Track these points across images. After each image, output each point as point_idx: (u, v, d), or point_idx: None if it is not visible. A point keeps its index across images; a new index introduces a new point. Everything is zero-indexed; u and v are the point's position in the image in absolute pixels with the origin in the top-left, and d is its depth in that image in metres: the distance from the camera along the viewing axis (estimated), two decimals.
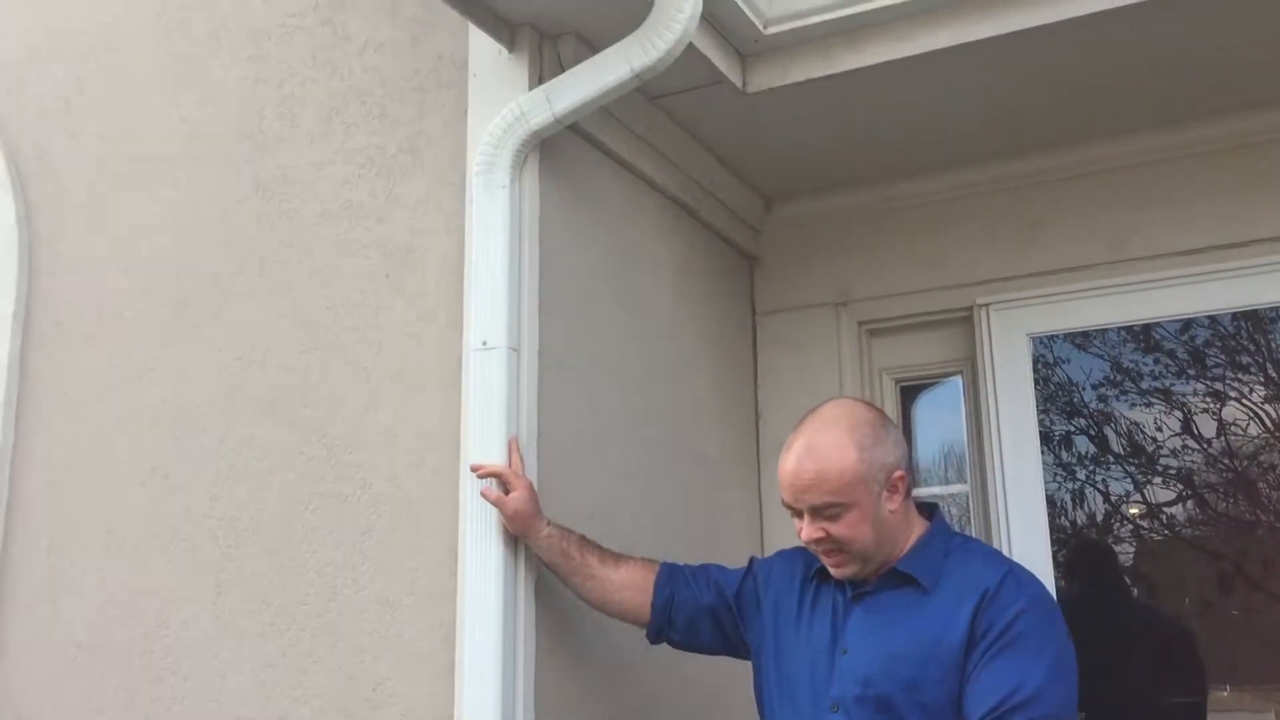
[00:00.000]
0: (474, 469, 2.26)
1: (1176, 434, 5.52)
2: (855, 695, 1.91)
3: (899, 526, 1.99)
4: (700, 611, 2.23)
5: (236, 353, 2.64)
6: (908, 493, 2.01)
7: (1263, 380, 5.36)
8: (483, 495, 2.23)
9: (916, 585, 1.95)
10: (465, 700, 2.19)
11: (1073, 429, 5.69)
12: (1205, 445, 5.46)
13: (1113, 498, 5.91)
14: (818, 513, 1.95)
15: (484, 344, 2.33)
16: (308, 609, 2.42)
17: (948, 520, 2.11)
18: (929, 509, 2.09)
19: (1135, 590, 4.17)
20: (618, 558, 2.29)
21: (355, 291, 2.55)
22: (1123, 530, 5.75)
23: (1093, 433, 5.71)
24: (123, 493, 2.68)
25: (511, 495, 2.22)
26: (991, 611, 1.87)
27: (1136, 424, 5.69)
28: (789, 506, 2.01)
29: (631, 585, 2.25)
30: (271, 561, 2.48)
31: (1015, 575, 1.94)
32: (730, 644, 2.24)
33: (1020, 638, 1.85)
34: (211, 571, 2.53)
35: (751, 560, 2.28)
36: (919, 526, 2.03)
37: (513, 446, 2.27)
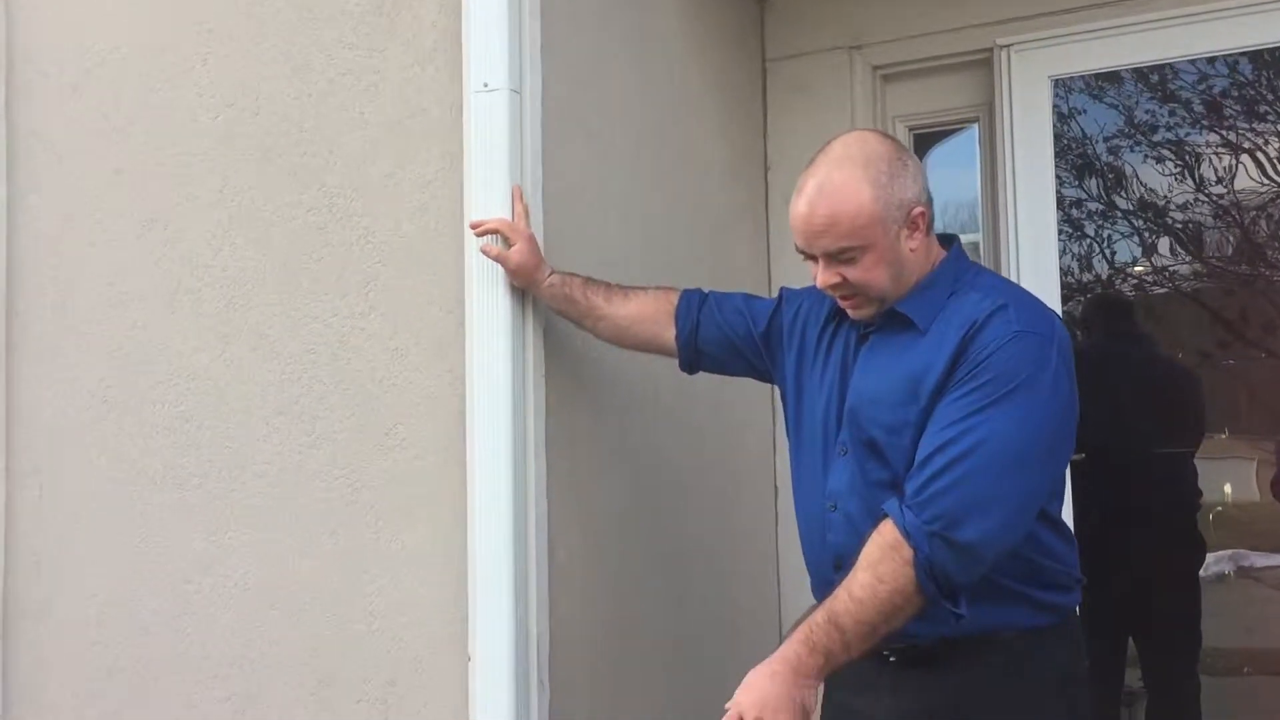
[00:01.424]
0: (473, 227, 2.21)
1: (1188, 188, 5.46)
2: (852, 437, 1.90)
3: (920, 265, 1.90)
4: (727, 346, 2.20)
5: (228, 99, 2.55)
6: (929, 228, 1.91)
7: (1278, 131, 5.26)
8: (483, 252, 2.19)
9: (915, 326, 1.87)
10: (476, 442, 2.22)
11: (1084, 186, 5.63)
12: (1214, 199, 5.41)
13: (1120, 252, 5.89)
14: (833, 258, 1.86)
15: (485, 85, 2.24)
16: (316, 357, 2.42)
17: (964, 253, 1.99)
18: (947, 241, 1.98)
19: (1149, 342, 4.20)
20: (626, 292, 2.25)
21: (348, 33, 2.44)
22: (1127, 285, 5.78)
23: (1105, 187, 5.65)
24: (122, 245, 2.64)
25: (513, 250, 2.17)
26: (974, 347, 1.76)
27: (1148, 178, 5.61)
28: (802, 252, 1.92)
29: (644, 319, 2.23)
30: (278, 311, 2.46)
31: (1011, 308, 1.80)
32: (762, 376, 2.23)
33: (989, 374, 1.73)
34: (217, 323, 2.52)
35: (782, 293, 2.21)
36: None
37: (516, 195, 2.21)
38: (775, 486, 3.29)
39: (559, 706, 2.24)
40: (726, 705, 1.72)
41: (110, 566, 2.60)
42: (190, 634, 2.50)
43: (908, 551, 1.68)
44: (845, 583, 1.71)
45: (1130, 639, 3.70)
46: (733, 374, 2.29)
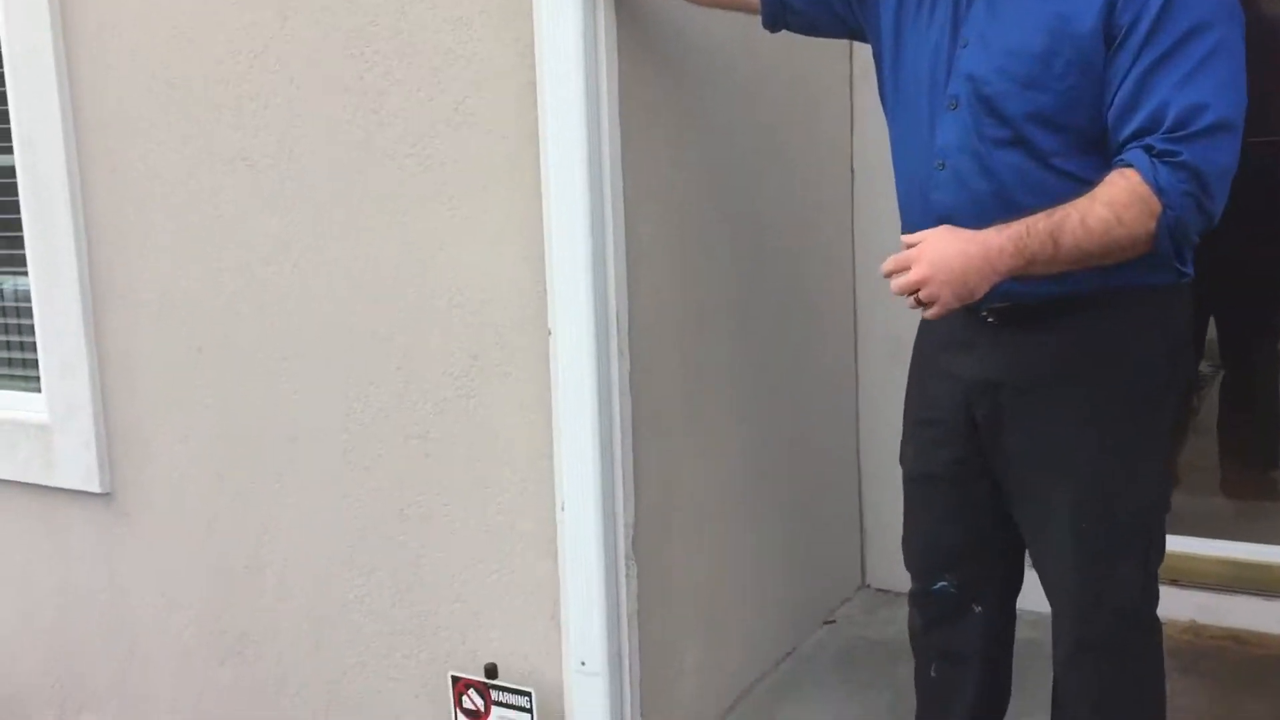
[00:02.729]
0: None
1: None
2: (966, 91, 1.78)
3: None
4: (817, 4, 2.07)
5: None
6: None
7: None
8: None
9: None
10: (548, 115, 2.15)
11: None
12: None
13: None
14: None
15: None
16: (378, 29, 2.33)
17: None
18: None
19: None
20: None
21: None
22: None
23: None
24: None
25: None
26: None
27: None
28: None
29: None
30: None
31: None
32: (854, 33, 2.09)
33: (1177, 30, 1.62)
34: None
35: None
36: None
37: None
38: (850, 170, 3.20)
39: (639, 379, 2.27)
40: (906, 240, 1.72)
41: (187, 249, 2.63)
42: (272, 314, 2.55)
43: (1157, 206, 1.63)
44: (1078, 209, 1.65)
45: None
46: (821, 33, 2.15)
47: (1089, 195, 1.66)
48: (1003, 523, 1.97)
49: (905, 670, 2.34)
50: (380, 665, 2.54)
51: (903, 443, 2.08)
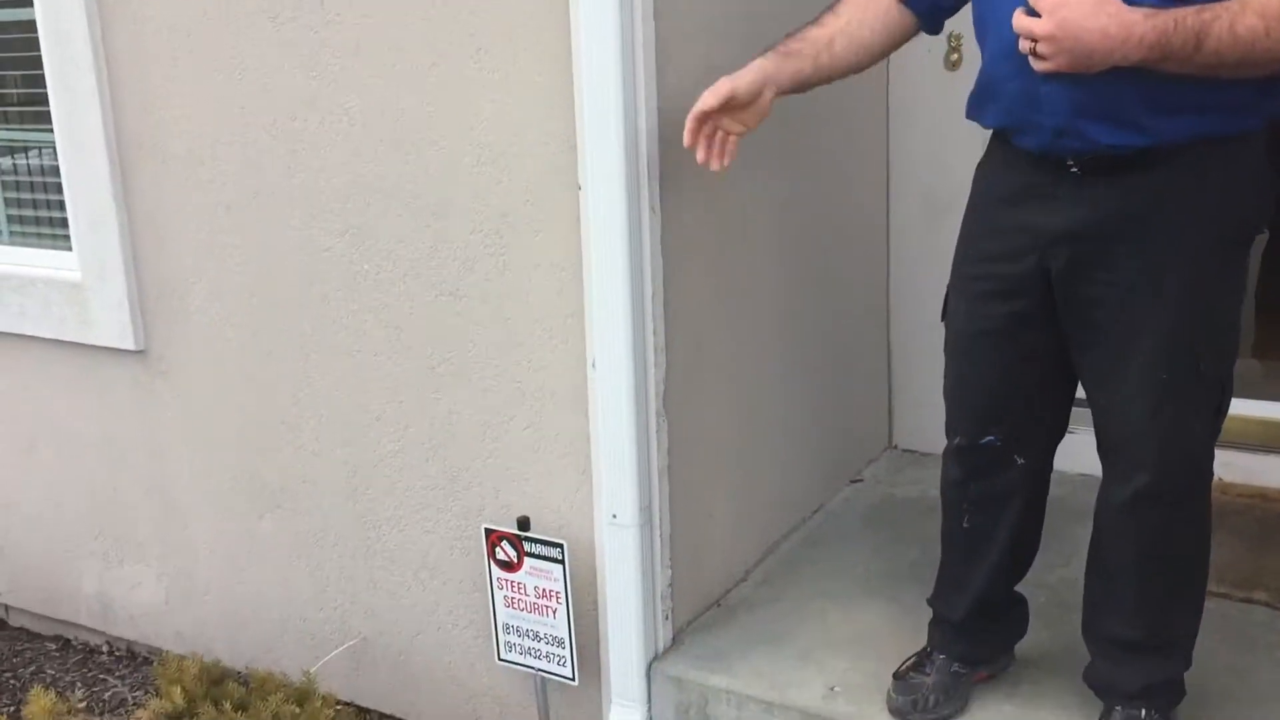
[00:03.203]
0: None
1: None
2: None
3: None
4: None
5: None
6: None
7: None
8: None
9: None
10: None
11: None
12: None
13: None
14: None
15: None
16: None
17: None
18: None
19: None
20: (825, 17, 2.02)
21: None
22: None
23: None
24: None
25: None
26: None
27: None
28: None
29: (865, 21, 2.00)
30: None
31: None
32: None
33: None
34: None
35: None
36: None
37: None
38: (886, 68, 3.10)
39: (670, 234, 2.25)
40: None
41: (212, 104, 2.60)
42: (301, 170, 2.53)
43: None
44: (1229, 12, 1.61)
45: None
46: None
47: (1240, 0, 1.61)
48: (1057, 376, 1.98)
49: (931, 527, 2.37)
50: (415, 518, 2.59)
51: (951, 299, 2.05)
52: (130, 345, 2.85)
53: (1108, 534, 1.99)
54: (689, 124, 1.99)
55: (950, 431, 2.09)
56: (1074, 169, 1.81)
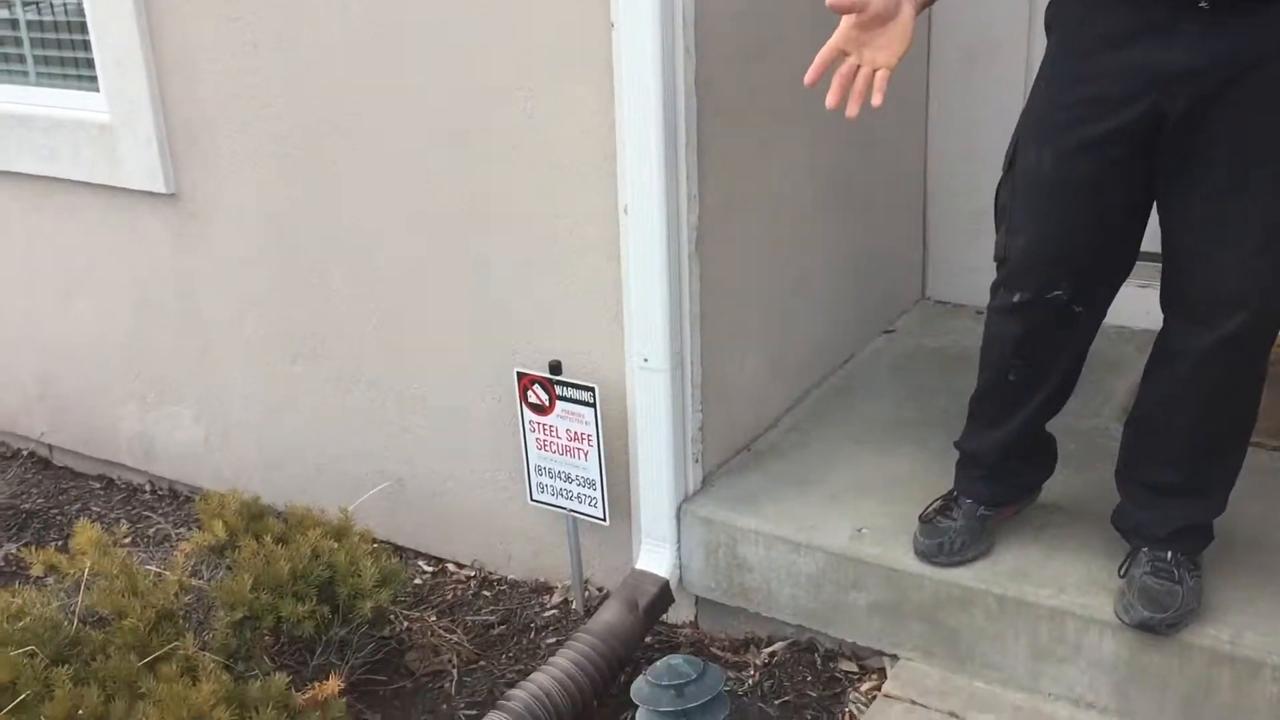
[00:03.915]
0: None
1: None
2: None
3: None
4: None
5: None
6: None
7: None
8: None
9: None
10: None
11: None
12: None
13: None
14: None
15: None
16: None
17: None
18: None
19: None
20: None
21: None
22: None
23: None
24: None
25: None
26: None
27: None
28: None
29: None
30: None
31: None
32: None
33: None
34: None
35: None
36: None
37: None
38: None
39: (705, 77, 2.20)
40: None
41: None
42: (322, 7, 2.47)
43: None
44: None
45: None
46: None
47: None
48: (1136, 227, 1.94)
49: (962, 377, 2.38)
50: (448, 361, 2.61)
51: (1028, 150, 1.95)
52: (160, 188, 2.84)
53: (1170, 382, 1.96)
54: (818, 59, 1.76)
55: (1010, 287, 2.02)
56: (1203, 4, 1.72)
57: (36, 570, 2.26)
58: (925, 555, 2.16)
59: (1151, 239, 1.98)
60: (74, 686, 1.88)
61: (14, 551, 2.98)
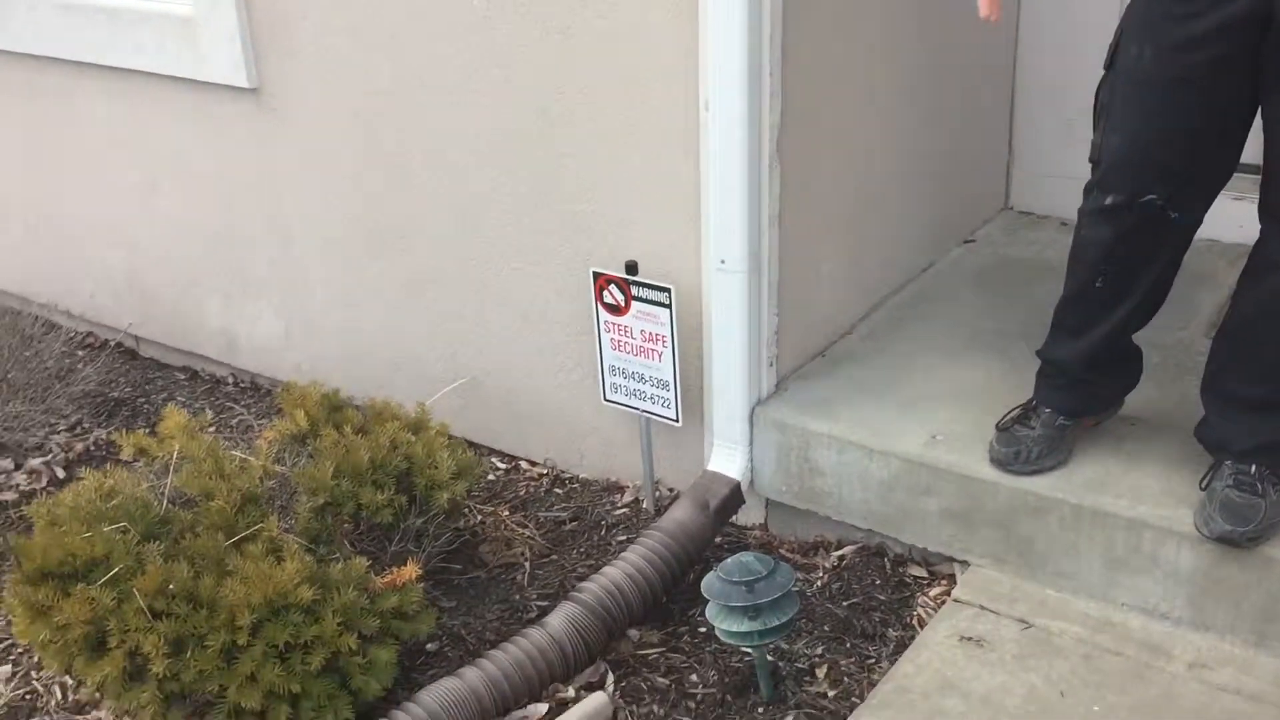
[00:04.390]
0: None
1: None
2: None
3: None
4: None
5: None
6: None
7: None
8: None
9: None
10: None
11: None
12: None
13: None
14: None
15: None
16: None
17: None
18: None
19: None
20: None
21: None
22: None
23: None
24: None
25: None
26: None
27: None
28: None
29: None
30: None
31: None
32: None
33: None
34: None
35: None
36: None
37: None
38: None
39: None
40: None
41: None
42: None
43: None
44: None
45: None
46: None
47: None
48: (1238, 130, 1.89)
49: (1042, 288, 2.33)
50: (524, 260, 2.62)
51: (1130, 47, 1.89)
52: (243, 83, 2.86)
53: (1264, 293, 1.92)
54: None
55: (1103, 188, 1.98)
56: None
57: (126, 453, 2.33)
58: (1001, 463, 2.15)
59: (1252, 151, 1.91)
60: (164, 562, 1.95)
61: (104, 436, 3.07)
